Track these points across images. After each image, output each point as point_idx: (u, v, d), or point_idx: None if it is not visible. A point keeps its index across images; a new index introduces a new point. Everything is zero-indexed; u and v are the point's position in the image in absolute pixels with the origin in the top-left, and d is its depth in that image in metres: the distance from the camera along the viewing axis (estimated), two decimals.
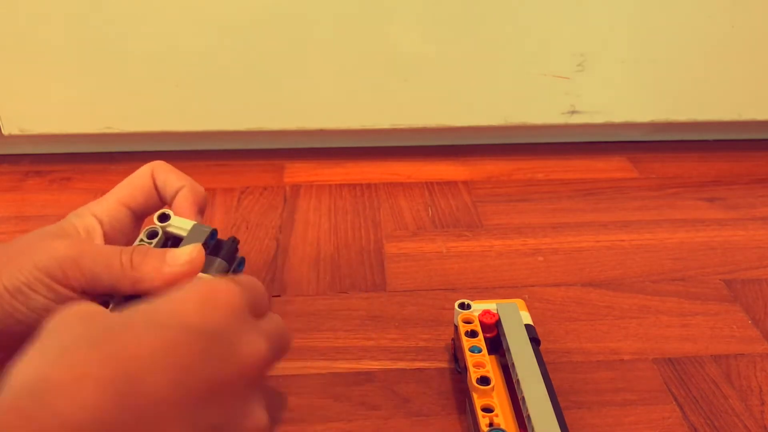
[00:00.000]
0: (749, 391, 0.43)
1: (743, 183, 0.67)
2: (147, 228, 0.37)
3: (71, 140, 0.69)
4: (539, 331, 0.43)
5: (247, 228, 0.58)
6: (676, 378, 0.43)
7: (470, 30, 0.63)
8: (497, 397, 0.37)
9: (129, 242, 0.38)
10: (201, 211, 0.39)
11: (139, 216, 0.39)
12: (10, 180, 0.66)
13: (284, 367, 0.43)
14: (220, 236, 0.38)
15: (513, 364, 0.38)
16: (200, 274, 0.35)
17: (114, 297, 0.35)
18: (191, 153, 0.70)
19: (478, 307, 0.42)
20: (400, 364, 0.44)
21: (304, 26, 0.61)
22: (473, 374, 0.37)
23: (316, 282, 0.52)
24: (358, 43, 0.62)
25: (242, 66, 0.63)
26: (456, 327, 0.42)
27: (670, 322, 0.48)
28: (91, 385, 0.22)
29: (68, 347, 0.24)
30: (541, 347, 0.42)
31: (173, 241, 0.38)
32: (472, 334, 0.40)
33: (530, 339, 0.40)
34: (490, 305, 0.42)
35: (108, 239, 0.37)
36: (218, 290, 0.28)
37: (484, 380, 0.37)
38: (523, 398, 0.36)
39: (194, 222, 0.38)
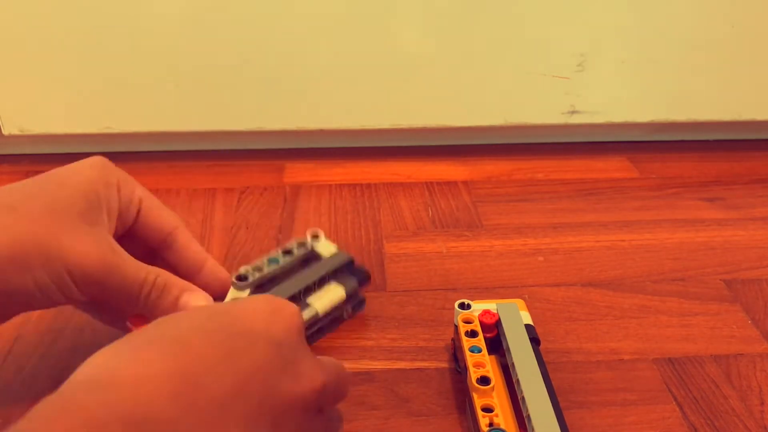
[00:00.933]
0: (749, 391, 0.43)
1: (743, 183, 0.67)
2: (241, 271, 0.43)
3: (71, 140, 0.69)
4: (539, 331, 0.43)
5: (247, 228, 0.58)
6: (676, 378, 0.43)
7: (470, 30, 0.63)
8: (497, 397, 0.37)
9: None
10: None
11: None
12: (10, 180, 0.65)
13: None
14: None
15: (513, 364, 0.38)
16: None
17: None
18: (191, 153, 0.70)
19: (477, 307, 0.42)
20: (400, 364, 0.44)
21: (304, 26, 0.61)
22: (473, 374, 0.37)
23: None
24: (358, 43, 0.62)
25: (242, 66, 0.63)
26: (456, 327, 0.42)
27: (670, 322, 0.48)
28: (150, 383, 0.22)
29: (139, 346, 0.25)
30: (541, 347, 0.42)
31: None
32: (472, 334, 0.40)
33: (530, 339, 0.40)
34: (490, 305, 0.42)
35: (145, 217, 0.38)
36: (286, 306, 0.28)
37: (484, 380, 0.37)
38: (523, 398, 0.36)
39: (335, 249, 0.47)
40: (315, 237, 0.48)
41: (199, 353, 0.24)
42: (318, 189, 0.65)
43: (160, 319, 0.27)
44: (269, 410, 0.25)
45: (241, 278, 0.43)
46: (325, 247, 0.47)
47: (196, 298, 0.36)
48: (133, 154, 0.69)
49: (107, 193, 0.36)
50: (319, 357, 0.30)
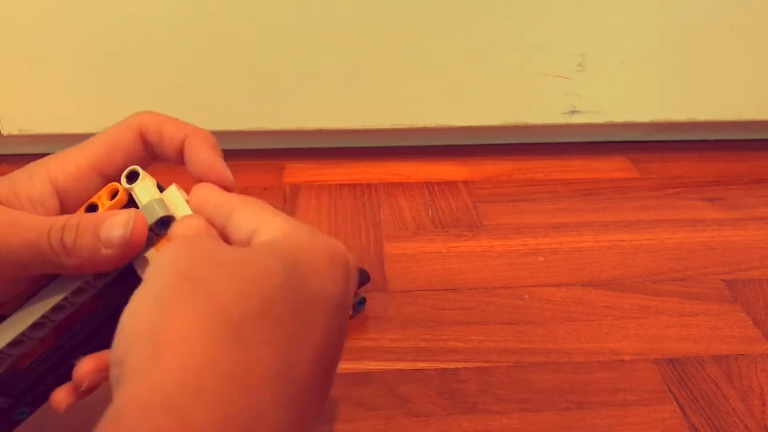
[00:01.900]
0: (750, 392, 0.43)
1: (743, 183, 0.67)
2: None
3: (71, 140, 0.68)
4: (539, 331, 0.43)
5: None
6: (676, 378, 0.43)
7: (470, 30, 0.62)
8: None
9: None
10: (221, 155, 0.33)
11: None
12: None
13: None
14: None
15: None
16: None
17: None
18: None
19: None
20: (400, 365, 0.44)
21: (303, 26, 0.61)
22: None
23: None
24: (358, 43, 0.62)
25: (242, 66, 0.63)
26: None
27: (671, 323, 0.48)
28: (196, 344, 0.22)
29: (168, 304, 0.23)
30: (541, 347, 0.42)
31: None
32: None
33: None
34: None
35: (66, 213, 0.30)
36: (341, 252, 0.27)
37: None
38: None
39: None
40: (132, 177, 0.41)
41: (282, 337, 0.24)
42: (318, 189, 0.65)
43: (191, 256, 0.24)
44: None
45: None
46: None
47: (116, 224, 0.28)
48: None
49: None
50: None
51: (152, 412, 0.20)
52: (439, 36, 0.63)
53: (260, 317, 0.23)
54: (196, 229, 0.28)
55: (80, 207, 0.31)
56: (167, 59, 0.62)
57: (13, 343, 0.29)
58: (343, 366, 0.44)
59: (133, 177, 0.30)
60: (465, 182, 0.66)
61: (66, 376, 0.31)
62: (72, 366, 0.30)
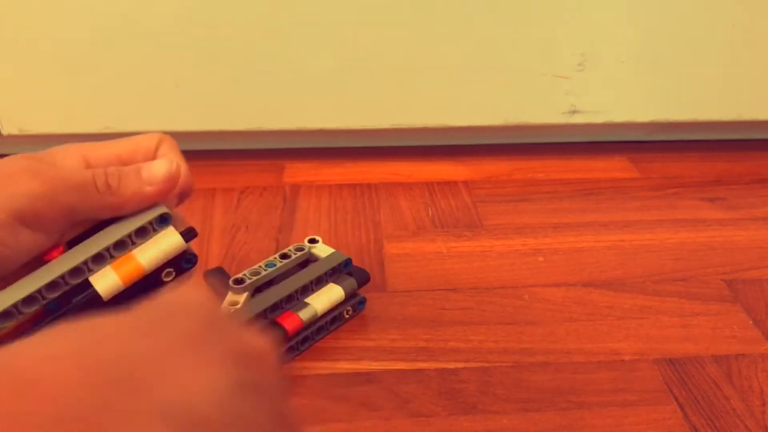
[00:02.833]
0: (750, 392, 0.42)
1: (744, 183, 0.67)
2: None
3: (71, 140, 0.68)
4: (540, 331, 0.43)
5: (247, 228, 0.58)
6: (676, 378, 0.43)
7: (470, 30, 0.62)
8: None
9: None
10: (180, 197, 0.37)
11: None
12: None
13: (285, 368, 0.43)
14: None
15: None
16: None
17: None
18: (191, 153, 0.69)
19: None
20: (400, 365, 0.44)
21: (303, 26, 0.61)
22: None
23: None
24: (358, 43, 0.62)
25: (242, 66, 0.63)
26: None
27: (671, 323, 0.48)
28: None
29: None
30: (542, 347, 0.42)
31: None
32: None
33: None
34: None
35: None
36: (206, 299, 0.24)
37: None
38: None
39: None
40: (313, 241, 0.49)
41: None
42: (318, 189, 0.65)
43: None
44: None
45: (238, 282, 0.44)
46: (323, 251, 0.48)
47: (159, 164, 0.33)
48: None
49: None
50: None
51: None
52: (439, 36, 0.63)
53: None
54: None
55: None
56: (167, 59, 0.62)
57: (28, 300, 0.30)
58: (344, 366, 0.44)
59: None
60: (465, 182, 0.66)
61: None
62: None
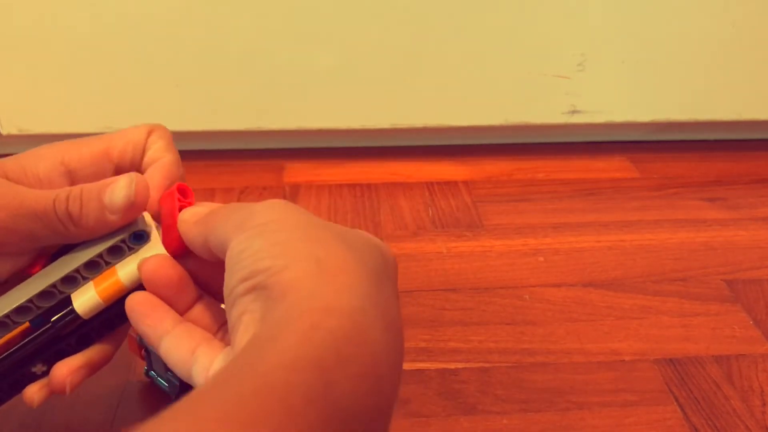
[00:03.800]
0: (750, 392, 0.42)
1: (744, 183, 0.67)
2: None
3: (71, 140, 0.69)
4: (540, 331, 0.43)
5: None
6: (677, 378, 0.43)
7: (470, 30, 0.62)
8: None
9: None
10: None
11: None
12: None
13: None
14: None
15: None
16: None
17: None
18: (191, 153, 0.70)
19: None
20: None
21: (303, 26, 0.61)
22: None
23: None
24: (358, 42, 0.62)
25: (242, 66, 0.63)
26: None
27: (671, 323, 0.48)
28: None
29: (320, 238, 0.25)
30: (542, 347, 0.42)
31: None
32: None
33: None
34: None
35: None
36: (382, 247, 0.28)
37: None
38: None
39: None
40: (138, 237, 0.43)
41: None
42: (318, 189, 0.65)
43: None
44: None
45: None
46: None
47: (118, 189, 0.29)
48: None
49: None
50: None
51: (300, 374, 0.21)
52: (439, 36, 0.63)
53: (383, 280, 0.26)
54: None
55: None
56: (167, 59, 0.62)
57: (20, 309, 0.30)
58: None
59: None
60: (465, 182, 0.66)
61: (22, 382, 0.31)
62: (28, 372, 0.31)
